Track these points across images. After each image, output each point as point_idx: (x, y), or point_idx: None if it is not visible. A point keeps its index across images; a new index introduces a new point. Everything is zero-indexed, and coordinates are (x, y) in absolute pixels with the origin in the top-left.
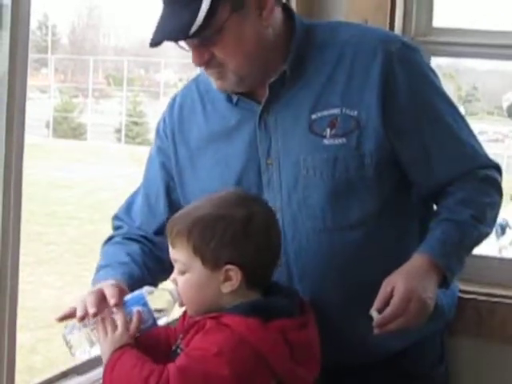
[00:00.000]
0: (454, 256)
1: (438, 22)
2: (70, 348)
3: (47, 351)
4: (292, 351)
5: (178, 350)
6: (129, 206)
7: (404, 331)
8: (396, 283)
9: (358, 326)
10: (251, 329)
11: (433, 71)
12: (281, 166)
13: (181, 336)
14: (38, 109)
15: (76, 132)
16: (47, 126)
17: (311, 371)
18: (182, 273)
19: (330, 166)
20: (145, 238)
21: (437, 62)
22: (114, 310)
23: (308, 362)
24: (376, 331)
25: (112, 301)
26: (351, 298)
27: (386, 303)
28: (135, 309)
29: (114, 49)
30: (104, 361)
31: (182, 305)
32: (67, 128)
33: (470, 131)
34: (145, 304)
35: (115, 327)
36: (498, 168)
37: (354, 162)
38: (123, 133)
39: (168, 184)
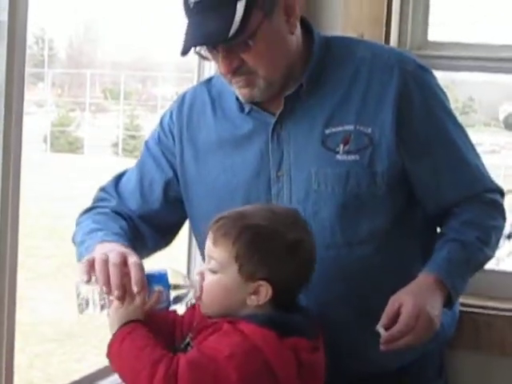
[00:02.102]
0: (459, 276)
1: (433, 35)
2: (79, 297)
3: (46, 366)
4: (300, 371)
5: (189, 348)
6: (117, 181)
7: (407, 349)
8: (404, 301)
9: (360, 342)
10: (266, 340)
11: (443, 92)
12: (292, 179)
13: (190, 335)
14: (35, 123)
15: (73, 146)
16: (44, 140)
17: None
18: (214, 272)
19: (341, 181)
20: (131, 219)
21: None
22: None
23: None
24: (383, 348)
25: (135, 288)
26: (355, 314)
27: (393, 320)
28: (156, 288)
29: (111, 63)
30: (111, 329)
31: (197, 299)
32: (64, 142)
33: (477, 154)
34: (166, 285)
35: (132, 300)
36: (501, 193)
37: (365, 179)
38: (120, 146)
39: (169, 180)
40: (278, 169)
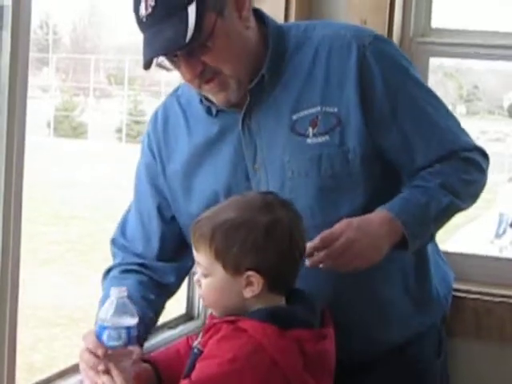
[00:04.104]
0: (416, 217)
1: (436, 22)
2: None
3: (48, 350)
4: (306, 362)
5: (196, 350)
6: (123, 227)
7: (402, 321)
8: (339, 222)
9: (354, 320)
10: (268, 335)
11: (407, 60)
12: (267, 170)
13: (201, 334)
14: (40, 108)
15: (77, 131)
16: (48, 125)
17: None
18: (205, 276)
19: (314, 164)
20: (142, 265)
21: (437, 62)
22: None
23: (320, 374)
24: (307, 263)
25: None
26: (345, 292)
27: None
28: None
29: (115, 48)
30: None
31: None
32: (68, 127)
33: (449, 115)
34: (102, 334)
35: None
36: (482, 152)
37: (338, 159)
38: (124, 132)
39: (159, 204)
40: (254, 162)
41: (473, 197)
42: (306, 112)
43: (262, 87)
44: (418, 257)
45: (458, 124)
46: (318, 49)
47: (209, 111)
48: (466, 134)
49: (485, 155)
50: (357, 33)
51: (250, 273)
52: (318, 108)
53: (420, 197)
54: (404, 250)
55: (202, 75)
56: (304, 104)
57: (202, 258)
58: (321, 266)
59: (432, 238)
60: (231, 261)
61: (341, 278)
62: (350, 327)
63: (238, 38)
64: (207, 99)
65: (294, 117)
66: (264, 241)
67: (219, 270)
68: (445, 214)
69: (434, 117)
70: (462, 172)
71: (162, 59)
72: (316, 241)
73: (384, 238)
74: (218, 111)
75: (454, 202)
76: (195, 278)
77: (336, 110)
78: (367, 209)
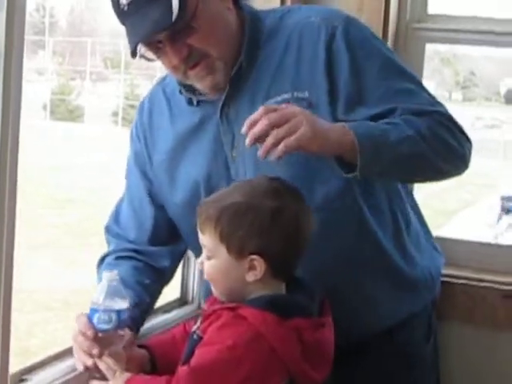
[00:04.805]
0: (372, 135)
1: (432, 8)
2: None
3: (44, 334)
4: (304, 350)
5: (195, 336)
6: (117, 215)
7: (390, 305)
8: None
9: (343, 303)
10: (268, 323)
11: (380, 41)
12: (245, 157)
13: (200, 319)
14: (36, 91)
15: (73, 115)
16: (44, 108)
17: (321, 372)
18: (209, 258)
19: None
20: (135, 251)
21: (434, 48)
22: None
23: (319, 362)
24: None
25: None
26: (332, 280)
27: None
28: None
29: (111, 31)
30: None
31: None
32: (64, 110)
33: (425, 91)
34: (93, 318)
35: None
36: (460, 129)
37: None
38: (120, 116)
39: (150, 191)
40: (232, 149)
41: (443, 156)
42: (278, 98)
43: (239, 75)
44: (401, 240)
45: (437, 101)
46: (291, 35)
47: (190, 102)
48: (446, 110)
49: (463, 133)
50: (327, 15)
51: (253, 256)
52: (289, 94)
53: (382, 124)
54: (352, 172)
55: (189, 59)
56: (276, 91)
57: (206, 239)
58: (255, 130)
59: (390, 174)
60: (236, 244)
61: (329, 266)
62: (339, 313)
63: (221, 19)
64: (187, 90)
65: (267, 104)
66: (270, 226)
67: (223, 253)
68: (406, 147)
69: (405, 93)
70: (432, 125)
71: (145, 50)
72: (259, 110)
73: (331, 134)
74: (198, 101)
75: (417, 140)
76: (199, 260)
77: (307, 94)
78: (343, 194)
